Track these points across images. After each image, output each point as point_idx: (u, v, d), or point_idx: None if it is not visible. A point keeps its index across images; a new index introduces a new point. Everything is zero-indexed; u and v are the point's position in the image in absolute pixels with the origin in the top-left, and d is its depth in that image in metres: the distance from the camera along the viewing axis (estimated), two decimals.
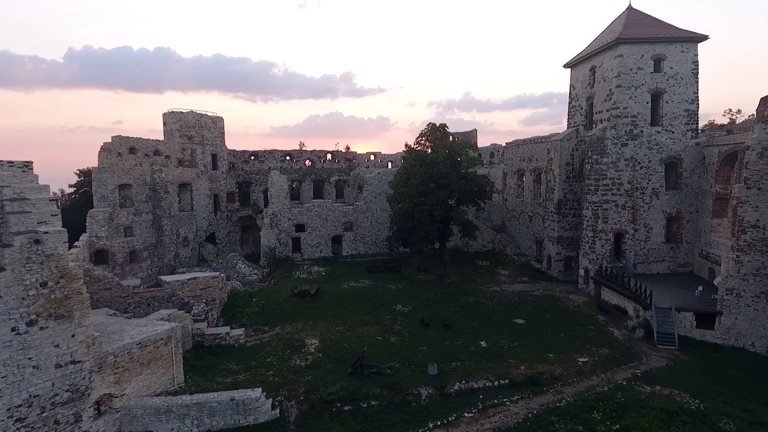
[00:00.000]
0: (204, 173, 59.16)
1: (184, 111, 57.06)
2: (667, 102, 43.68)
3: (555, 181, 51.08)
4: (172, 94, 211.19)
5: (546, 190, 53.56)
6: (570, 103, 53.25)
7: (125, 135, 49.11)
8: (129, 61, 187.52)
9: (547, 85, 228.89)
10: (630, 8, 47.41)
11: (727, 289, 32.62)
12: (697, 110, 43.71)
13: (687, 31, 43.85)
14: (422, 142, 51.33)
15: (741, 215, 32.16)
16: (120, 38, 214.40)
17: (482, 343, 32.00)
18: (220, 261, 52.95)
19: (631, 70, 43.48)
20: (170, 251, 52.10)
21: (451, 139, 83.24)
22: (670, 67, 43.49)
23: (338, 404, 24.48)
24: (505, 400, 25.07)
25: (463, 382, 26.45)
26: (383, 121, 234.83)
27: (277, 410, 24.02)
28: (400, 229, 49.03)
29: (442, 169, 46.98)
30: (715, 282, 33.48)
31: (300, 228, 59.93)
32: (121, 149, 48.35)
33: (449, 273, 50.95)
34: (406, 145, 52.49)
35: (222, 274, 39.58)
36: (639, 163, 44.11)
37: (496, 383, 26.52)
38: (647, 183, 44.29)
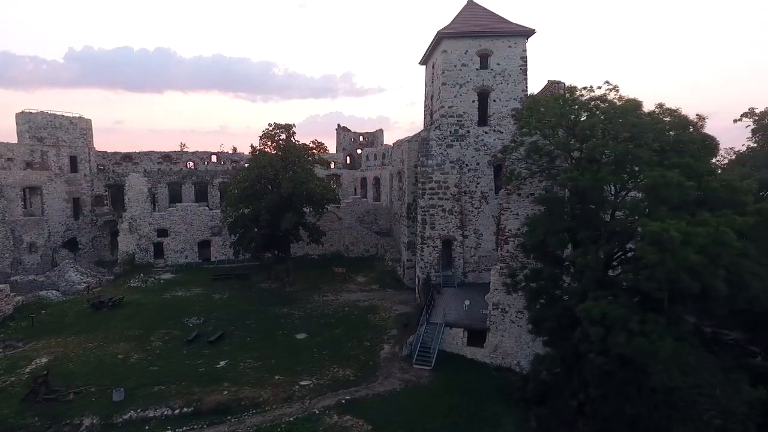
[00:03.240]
0: (59, 176, 56.84)
1: (34, 111, 54.83)
2: (494, 101, 40.97)
3: (405, 184, 48.57)
4: (172, 94, 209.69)
5: (400, 194, 51.09)
6: (424, 102, 50.67)
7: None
8: (129, 61, 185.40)
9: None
10: (470, 1, 44.68)
11: (494, 303, 30.07)
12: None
13: (515, 24, 41.17)
14: (269, 144, 48.91)
15: (503, 223, 29.59)
16: (120, 38, 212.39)
17: (221, 362, 29.55)
18: (55, 269, 50.67)
19: (455, 66, 40.80)
20: (5, 258, 49.87)
21: (359, 140, 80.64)
22: (497, 64, 40.77)
23: None
24: None
25: (140, 410, 24.02)
26: (384, 120, 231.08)
27: None
28: (233, 234, 46.73)
29: (270, 172, 44.58)
30: (486, 297, 30.90)
31: (162, 233, 57.57)
32: None
33: (294, 280, 48.44)
34: (252, 147, 50.13)
35: (2, 285, 37.28)
36: (466, 165, 41.44)
37: (177, 411, 24.08)
38: (476, 186, 41.61)
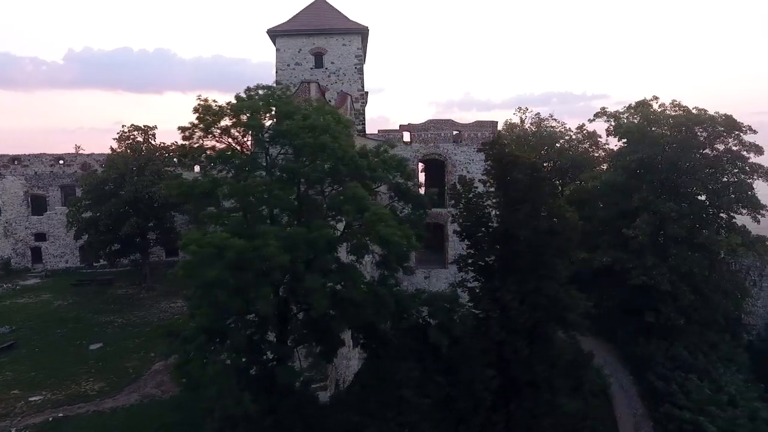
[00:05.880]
0: None
1: None
2: (330, 100, 39.61)
3: None
4: (172, 95, 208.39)
5: None
6: None
7: None
8: (129, 62, 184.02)
9: (547, 85, 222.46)
10: None
11: None
12: (363, 108, 39.77)
13: (349, 21, 39.94)
14: (125, 146, 47.56)
15: None
16: (120, 39, 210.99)
17: None
18: None
19: (288, 65, 39.57)
20: None
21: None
22: (332, 63, 39.55)
23: None
24: None
25: None
26: (383, 120, 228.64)
27: None
28: (77, 239, 45.57)
29: (112, 175, 43.30)
30: None
31: (41, 237, 56.49)
32: None
33: (152, 286, 47.19)
34: (111, 149, 48.87)
35: None
36: None
37: None
38: None
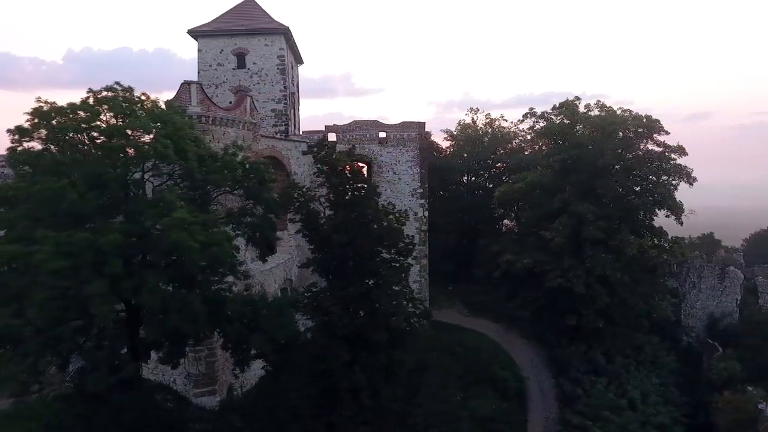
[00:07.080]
0: None
1: None
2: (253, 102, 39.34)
3: None
4: (172, 95, 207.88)
5: None
6: None
7: None
8: (129, 62, 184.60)
9: (547, 85, 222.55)
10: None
11: None
12: (287, 110, 39.43)
13: (272, 21, 39.62)
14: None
15: None
16: (119, 39, 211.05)
17: None
18: None
19: (210, 66, 39.24)
20: None
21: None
22: (254, 63, 39.20)
23: None
24: None
25: None
26: (383, 120, 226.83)
27: None
28: None
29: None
30: None
31: None
32: None
33: None
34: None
35: None
36: None
37: None
38: None
